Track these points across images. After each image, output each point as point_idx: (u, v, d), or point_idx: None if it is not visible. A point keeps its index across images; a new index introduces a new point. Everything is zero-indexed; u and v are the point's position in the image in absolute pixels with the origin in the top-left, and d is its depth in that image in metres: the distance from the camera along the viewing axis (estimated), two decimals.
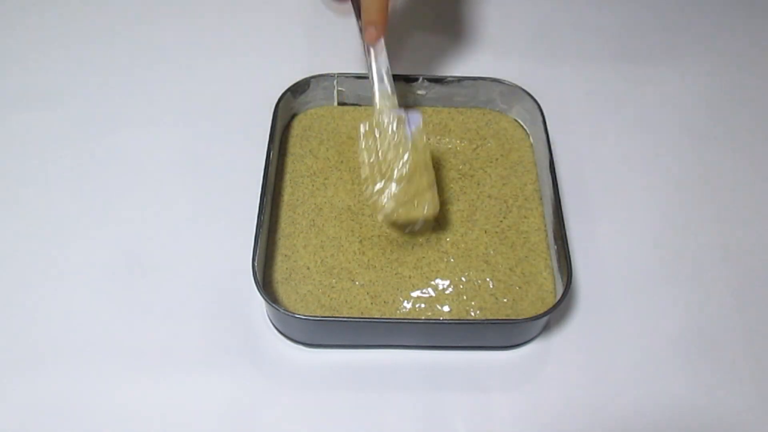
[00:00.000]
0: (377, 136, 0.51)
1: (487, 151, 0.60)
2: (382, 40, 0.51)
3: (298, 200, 0.56)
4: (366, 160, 0.51)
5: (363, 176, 0.52)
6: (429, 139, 0.49)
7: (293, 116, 0.62)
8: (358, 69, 0.61)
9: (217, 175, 0.60)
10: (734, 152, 0.63)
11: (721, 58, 0.71)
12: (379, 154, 0.50)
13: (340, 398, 0.49)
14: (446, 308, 0.51)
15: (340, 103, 0.63)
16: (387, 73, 0.52)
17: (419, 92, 0.62)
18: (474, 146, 0.60)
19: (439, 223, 0.55)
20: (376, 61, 0.51)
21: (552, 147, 0.56)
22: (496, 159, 0.60)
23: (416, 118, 0.51)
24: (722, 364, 0.51)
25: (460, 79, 0.60)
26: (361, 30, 0.51)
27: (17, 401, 0.48)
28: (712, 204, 0.60)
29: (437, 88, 0.61)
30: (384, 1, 0.48)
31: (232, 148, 0.61)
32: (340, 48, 0.70)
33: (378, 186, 0.50)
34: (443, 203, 0.56)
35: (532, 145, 0.61)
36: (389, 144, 0.51)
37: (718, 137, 0.65)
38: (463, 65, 0.69)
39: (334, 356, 0.50)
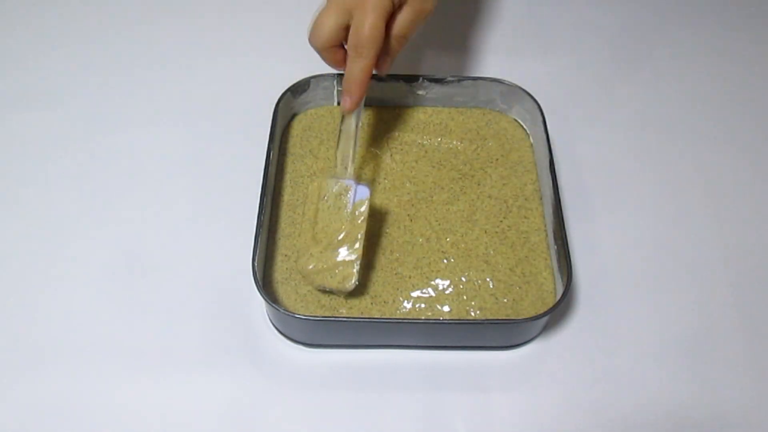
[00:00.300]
0: (321, 198, 0.52)
1: (487, 151, 0.60)
2: (357, 111, 0.52)
3: (298, 200, 0.56)
4: (305, 218, 0.52)
5: (299, 230, 0.53)
6: (367, 217, 0.51)
7: (293, 116, 0.62)
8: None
9: (217, 175, 0.60)
10: (734, 152, 0.63)
11: (721, 58, 0.71)
12: (318, 216, 0.51)
13: (340, 398, 0.49)
14: (446, 308, 0.51)
15: (340, 103, 0.63)
16: (353, 143, 0.53)
17: (419, 92, 0.62)
18: (474, 146, 0.60)
19: (439, 223, 0.55)
20: (346, 128, 0.53)
21: (552, 147, 0.56)
22: (497, 159, 0.60)
23: (364, 191, 0.52)
24: (722, 364, 0.51)
25: (460, 79, 0.60)
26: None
27: (17, 401, 0.48)
28: (712, 204, 0.60)
29: (437, 88, 0.61)
30: (365, 77, 0.50)
31: (232, 148, 0.61)
32: None
33: (305, 247, 0.51)
34: (443, 203, 0.56)
35: (532, 145, 0.61)
36: (328, 210, 0.51)
37: (718, 137, 0.65)
38: (463, 65, 0.69)
39: (334, 356, 0.50)
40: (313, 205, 0.52)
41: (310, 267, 0.50)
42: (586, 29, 0.74)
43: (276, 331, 0.51)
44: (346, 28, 0.49)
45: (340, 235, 0.50)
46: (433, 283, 0.52)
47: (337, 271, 0.50)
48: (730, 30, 0.74)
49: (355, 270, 0.49)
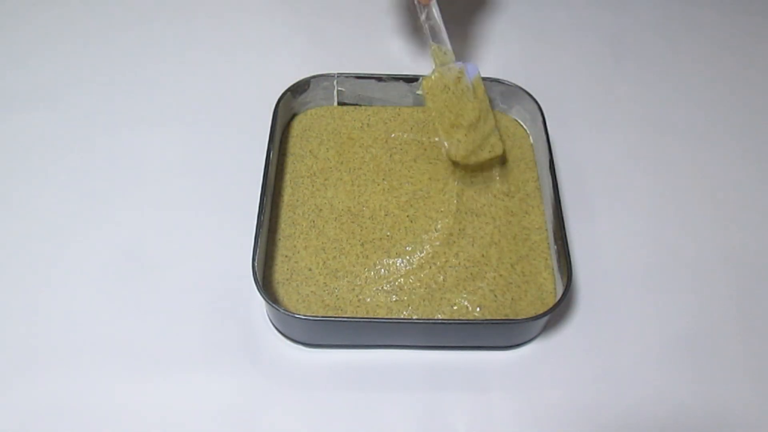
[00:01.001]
0: (444, 89, 0.56)
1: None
2: (435, 1, 0.56)
3: (298, 201, 0.56)
4: (436, 113, 0.56)
5: (434, 125, 0.58)
6: (485, 87, 0.57)
7: (293, 116, 0.62)
8: (358, 69, 0.62)
9: (217, 175, 0.60)
10: (734, 152, 0.63)
11: (721, 58, 0.71)
12: (448, 105, 0.56)
13: (340, 398, 0.49)
14: (447, 303, 0.51)
15: (340, 103, 0.63)
16: (441, 30, 0.57)
17: (419, 92, 0.62)
18: None
19: (438, 219, 0.55)
20: (430, 19, 0.56)
21: (552, 147, 0.56)
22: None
23: (473, 68, 0.57)
24: (722, 364, 0.51)
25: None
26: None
27: (17, 401, 0.48)
28: (712, 204, 0.60)
29: None
30: None
31: (232, 148, 0.61)
32: (340, 48, 0.70)
33: (450, 136, 0.56)
34: (442, 199, 0.56)
35: (532, 144, 0.61)
36: (455, 96, 0.56)
37: (718, 137, 0.65)
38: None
39: (334, 356, 0.50)
40: (438, 98, 0.56)
41: (464, 152, 0.55)
42: (586, 29, 0.74)
43: (276, 332, 0.51)
44: None
45: (474, 113, 0.56)
46: (434, 279, 0.52)
47: (485, 143, 0.56)
48: (731, 30, 0.74)
49: (498, 137, 0.56)
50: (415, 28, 0.72)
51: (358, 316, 0.50)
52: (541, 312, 0.49)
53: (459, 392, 0.49)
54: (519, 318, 0.50)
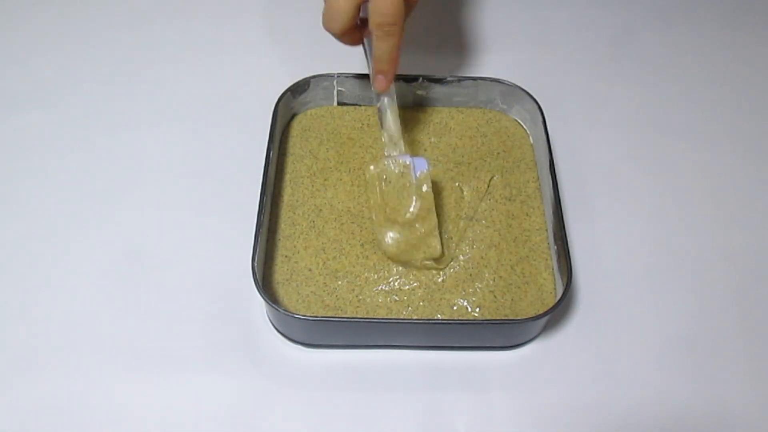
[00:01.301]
0: (384, 181, 0.53)
1: (488, 146, 0.60)
2: (392, 86, 0.53)
3: (297, 201, 0.56)
4: (373, 203, 0.53)
5: (371, 217, 0.54)
6: (431, 186, 0.53)
7: (293, 116, 0.62)
8: (358, 69, 0.61)
9: (217, 176, 0.60)
10: (735, 152, 0.63)
11: (721, 59, 0.71)
12: (385, 199, 0.53)
13: (340, 398, 0.49)
14: (447, 303, 0.51)
15: (339, 103, 0.63)
16: (394, 119, 0.54)
17: (419, 92, 0.62)
18: (475, 142, 0.60)
19: (440, 221, 0.55)
20: (384, 107, 0.54)
21: (552, 147, 0.56)
22: (498, 153, 0.60)
23: (422, 163, 0.53)
24: (722, 364, 0.51)
25: (460, 79, 0.60)
26: (371, 74, 0.53)
27: (17, 401, 0.48)
28: (712, 204, 0.60)
29: (437, 88, 0.61)
30: (395, 52, 0.50)
31: (232, 148, 0.61)
32: (340, 48, 0.70)
33: (383, 230, 0.52)
34: (444, 199, 0.56)
35: (532, 145, 0.61)
36: (395, 190, 0.53)
37: (718, 137, 0.64)
38: (463, 65, 0.69)
39: (334, 356, 0.50)
40: (376, 189, 0.53)
41: (395, 249, 0.52)
42: (587, 29, 0.74)
43: (276, 332, 0.51)
44: (359, 7, 0.49)
45: (413, 211, 0.52)
46: (433, 280, 0.52)
47: (420, 244, 0.52)
48: (731, 29, 0.74)
49: (437, 239, 0.52)
50: (414, 28, 0.72)
51: (358, 316, 0.50)
52: (541, 312, 0.49)
53: (459, 392, 0.49)
54: (519, 318, 0.50)
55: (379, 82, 0.51)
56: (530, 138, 0.61)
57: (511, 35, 0.73)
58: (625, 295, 0.54)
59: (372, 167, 0.54)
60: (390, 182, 0.53)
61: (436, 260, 0.52)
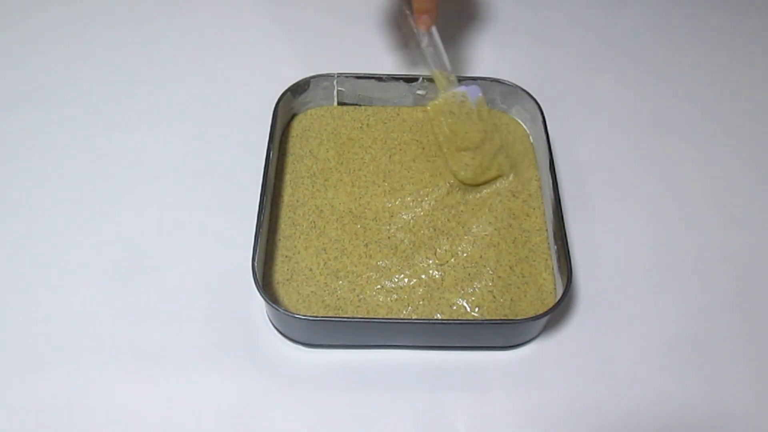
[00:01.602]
0: (448, 114, 0.57)
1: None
2: (434, 27, 0.56)
3: (298, 201, 0.56)
4: (442, 138, 0.58)
5: (443, 150, 0.58)
6: (489, 107, 0.58)
7: (293, 116, 0.62)
8: (358, 69, 0.62)
9: (217, 176, 0.60)
10: (735, 152, 0.63)
11: (721, 58, 0.71)
12: (453, 130, 0.57)
13: (341, 398, 0.49)
14: (446, 302, 0.51)
15: (340, 103, 0.63)
16: (443, 55, 0.57)
17: (419, 92, 0.62)
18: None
19: (441, 221, 0.55)
20: (432, 45, 0.57)
21: (552, 147, 0.56)
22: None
23: (475, 91, 0.58)
24: (722, 364, 0.51)
25: (459, 79, 0.60)
26: (412, 18, 0.57)
27: (17, 401, 0.48)
28: (712, 203, 0.60)
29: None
30: None
31: (232, 149, 0.61)
32: (340, 48, 0.70)
33: (457, 159, 0.57)
34: (444, 198, 0.56)
35: (532, 144, 0.61)
36: (460, 120, 0.57)
37: (718, 137, 0.65)
38: (463, 65, 0.69)
39: (334, 356, 0.50)
40: (442, 124, 0.58)
41: (471, 173, 0.56)
42: (586, 29, 0.74)
43: (276, 332, 0.51)
44: None
45: (479, 136, 0.57)
46: (432, 278, 0.52)
47: (492, 163, 0.57)
48: (731, 29, 0.74)
49: (504, 156, 0.57)
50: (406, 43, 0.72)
51: (358, 316, 0.50)
52: (541, 312, 0.49)
53: (459, 392, 0.49)
54: (519, 318, 0.50)
55: (423, 21, 0.55)
56: (530, 138, 0.61)
57: (511, 35, 0.73)
58: (625, 295, 0.54)
59: (434, 103, 0.58)
60: (454, 113, 0.57)
61: (505, 175, 0.57)
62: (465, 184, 0.57)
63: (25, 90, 0.65)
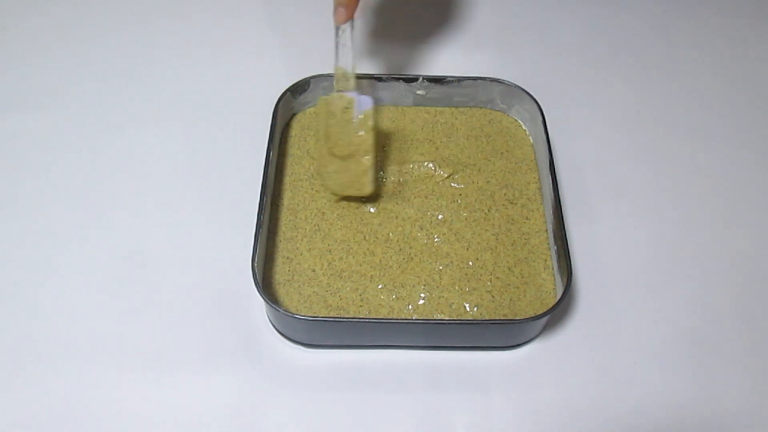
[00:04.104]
0: (330, 114, 0.54)
1: (492, 145, 0.60)
2: (351, 22, 0.53)
3: (298, 205, 0.56)
4: (319, 136, 0.56)
5: (314, 151, 0.57)
6: (376, 124, 0.55)
7: (293, 116, 0.62)
8: (358, 69, 0.62)
9: (217, 176, 0.60)
10: (735, 152, 0.63)
11: (721, 58, 0.71)
12: (328, 132, 0.54)
13: (340, 398, 0.49)
14: (445, 302, 0.51)
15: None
16: (350, 55, 0.54)
17: (419, 92, 0.62)
18: (479, 142, 0.61)
19: (441, 223, 0.55)
20: (341, 41, 0.54)
21: (552, 147, 0.56)
22: (501, 153, 0.60)
23: (366, 102, 0.54)
24: (722, 364, 0.51)
25: (460, 79, 0.60)
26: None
27: (17, 401, 0.48)
28: (712, 203, 0.60)
29: (437, 88, 0.61)
30: None
31: (232, 149, 0.61)
32: None
33: (324, 163, 0.55)
34: (446, 206, 0.56)
35: (532, 144, 0.61)
36: (338, 125, 0.54)
37: (718, 137, 0.64)
38: (463, 65, 0.69)
39: (334, 356, 0.50)
40: (324, 122, 0.55)
41: (331, 182, 0.54)
42: (587, 29, 0.74)
43: (276, 332, 0.51)
44: None
45: (348, 149, 0.54)
46: (432, 277, 0.52)
47: (354, 180, 0.54)
48: (731, 29, 0.74)
49: (369, 178, 0.54)
50: (414, 28, 0.72)
51: (359, 316, 0.50)
52: (540, 312, 0.49)
53: (459, 392, 0.49)
54: (520, 318, 0.50)
55: (339, 14, 0.52)
56: (530, 138, 0.61)
57: (511, 35, 0.73)
58: (625, 295, 0.54)
59: (318, 100, 0.56)
60: (335, 116, 0.54)
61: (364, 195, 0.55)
62: (326, 189, 0.55)
63: (24, 90, 0.65)
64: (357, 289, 0.52)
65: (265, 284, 0.51)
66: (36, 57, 0.68)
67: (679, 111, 0.66)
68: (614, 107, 0.67)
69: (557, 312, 0.52)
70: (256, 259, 0.48)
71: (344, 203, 0.56)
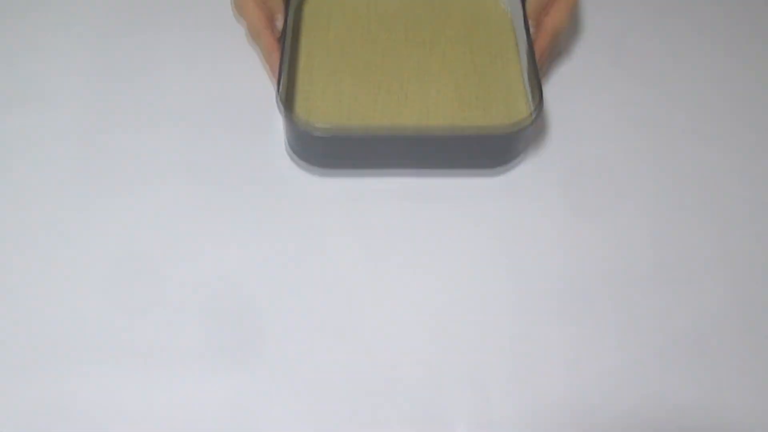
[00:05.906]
0: None
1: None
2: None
3: (313, 65, 0.63)
4: None
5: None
6: None
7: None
8: None
9: (217, 176, 0.60)
10: (735, 152, 0.63)
11: (722, 58, 0.71)
12: None
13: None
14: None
15: None
16: None
17: None
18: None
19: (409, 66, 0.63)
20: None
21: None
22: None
23: None
24: (722, 364, 0.51)
25: None
26: None
27: (17, 401, 0.48)
28: (711, 204, 0.60)
29: None
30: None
31: (232, 148, 0.61)
32: None
33: None
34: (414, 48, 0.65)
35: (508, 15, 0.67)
36: None
37: (718, 137, 0.65)
38: None
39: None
40: None
41: None
42: (586, 29, 0.74)
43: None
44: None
45: None
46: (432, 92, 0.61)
47: None
48: (731, 29, 0.74)
49: None
50: None
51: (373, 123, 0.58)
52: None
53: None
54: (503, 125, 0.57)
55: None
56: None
57: None
58: (625, 294, 0.54)
59: None
60: None
61: None
62: None
63: (24, 90, 0.65)
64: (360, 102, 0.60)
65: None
66: (36, 57, 0.68)
67: (680, 111, 0.66)
68: (614, 107, 0.66)
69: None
70: (281, 86, 0.54)
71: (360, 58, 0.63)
